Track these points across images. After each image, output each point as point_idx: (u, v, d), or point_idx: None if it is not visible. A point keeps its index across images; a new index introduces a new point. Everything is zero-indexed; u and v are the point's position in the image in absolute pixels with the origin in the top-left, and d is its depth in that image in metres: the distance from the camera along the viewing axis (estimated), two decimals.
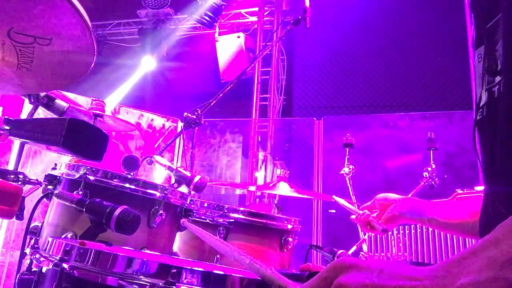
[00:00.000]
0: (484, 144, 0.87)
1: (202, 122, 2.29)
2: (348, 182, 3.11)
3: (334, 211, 4.61)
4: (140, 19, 6.70)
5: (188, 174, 1.81)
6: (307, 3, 2.66)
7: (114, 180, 1.56)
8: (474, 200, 1.17)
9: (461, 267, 0.51)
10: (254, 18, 6.43)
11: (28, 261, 1.00)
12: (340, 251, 1.78)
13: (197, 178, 1.79)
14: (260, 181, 5.52)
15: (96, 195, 1.49)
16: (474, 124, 0.89)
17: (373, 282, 0.51)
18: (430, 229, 2.99)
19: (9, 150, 4.04)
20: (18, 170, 1.54)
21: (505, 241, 0.50)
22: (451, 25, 5.16)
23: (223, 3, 5.95)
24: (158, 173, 4.57)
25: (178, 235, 1.81)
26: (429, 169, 3.13)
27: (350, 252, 2.88)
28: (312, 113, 5.69)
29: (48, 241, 0.96)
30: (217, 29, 6.36)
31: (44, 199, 1.55)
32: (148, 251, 1.45)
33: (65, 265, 0.85)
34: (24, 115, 4.02)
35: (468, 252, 0.52)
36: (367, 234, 3.02)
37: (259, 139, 5.80)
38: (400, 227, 3.09)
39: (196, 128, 2.35)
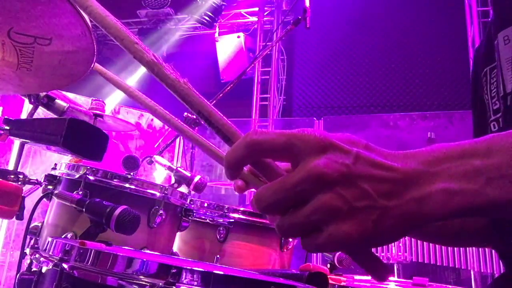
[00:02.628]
0: None
1: (202, 122, 2.29)
2: None
3: None
4: (140, 19, 6.70)
5: (188, 174, 1.81)
6: (307, 3, 2.66)
7: (114, 180, 1.56)
8: None
9: (442, 167, 0.46)
10: (254, 18, 6.43)
11: (28, 261, 1.00)
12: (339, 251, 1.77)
13: (197, 178, 1.79)
14: None
15: (96, 195, 1.49)
16: (499, 115, 0.80)
17: (350, 171, 0.45)
18: None
19: (9, 150, 4.04)
20: (18, 170, 1.54)
21: (498, 155, 0.45)
22: (451, 25, 5.16)
23: (223, 3, 5.95)
24: (158, 173, 4.57)
25: (178, 235, 1.81)
26: None
27: None
28: (312, 113, 5.69)
29: (48, 241, 0.96)
30: (217, 29, 6.36)
31: (44, 199, 1.55)
32: (148, 251, 1.45)
33: (65, 265, 0.85)
34: (24, 115, 4.02)
35: (454, 151, 0.47)
36: None
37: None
38: None
39: (196, 128, 2.35)
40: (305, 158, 0.46)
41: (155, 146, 4.96)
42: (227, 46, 6.12)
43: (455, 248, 3.04)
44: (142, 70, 6.65)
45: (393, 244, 3.12)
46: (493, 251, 2.88)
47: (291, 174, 0.47)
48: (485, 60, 0.88)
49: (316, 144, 0.46)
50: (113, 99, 6.09)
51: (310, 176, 0.45)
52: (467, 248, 3.03)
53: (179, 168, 1.84)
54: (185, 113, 2.30)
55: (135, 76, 6.63)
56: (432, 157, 0.47)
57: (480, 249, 3.01)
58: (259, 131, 0.49)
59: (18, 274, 0.99)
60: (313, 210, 0.45)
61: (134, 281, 0.79)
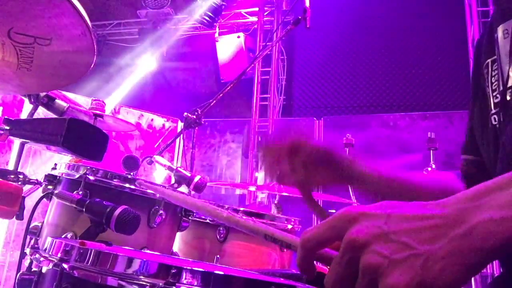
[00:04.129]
0: None
1: (202, 122, 2.29)
2: None
3: (334, 211, 4.60)
4: (140, 19, 6.70)
5: (188, 174, 1.81)
6: (307, 3, 2.66)
7: (114, 180, 1.56)
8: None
9: (482, 202, 0.46)
10: (254, 18, 6.43)
11: (28, 261, 1.00)
12: None
13: (197, 178, 1.79)
14: (260, 181, 5.52)
15: (96, 195, 1.49)
16: (498, 109, 0.79)
17: (383, 230, 0.47)
18: None
19: (9, 150, 4.04)
20: (18, 170, 1.54)
21: None
22: (451, 25, 5.16)
23: (223, 3, 5.95)
24: (158, 173, 4.57)
25: (178, 235, 1.81)
26: (429, 169, 3.13)
27: None
28: (312, 113, 5.69)
29: (48, 241, 0.96)
30: (217, 29, 6.36)
31: (44, 199, 1.54)
32: (148, 251, 1.44)
33: (65, 265, 0.85)
34: (24, 115, 4.02)
35: (492, 185, 0.47)
36: None
37: (259, 139, 5.80)
38: None
39: (196, 128, 2.35)
40: (344, 233, 0.50)
41: (155, 146, 4.97)
42: (227, 46, 6.12)
43: None
44: (141, 71, 6.66)
45: None
46: None
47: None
48: (487, 51, 0.87)
49: (349, 218, 0.50)
50: (113, 99, 6.10)
51: (347, 245, 0.49)
52: None
53: (179, 168, 1.84)
54: (185, 113, 2.30)
55: (134, 76, 6.63)
56: (472, 194, 0.47)
57: None
58: (308, 230, 0.54)
59: (18, 274, 0.99)
60: (361, 274, 0.48)
61: (134, 281, 0.79)
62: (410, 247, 0.46)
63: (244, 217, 1.71)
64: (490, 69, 0.85)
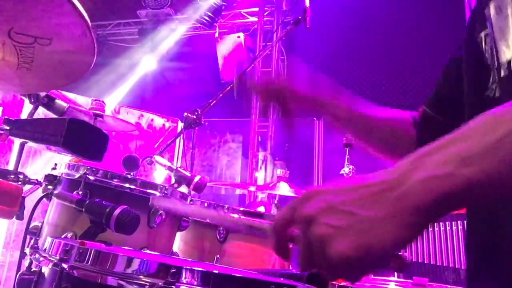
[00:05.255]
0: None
1: (202, 122, 2.29)
2: None
3: None
4: (140, 19, 6.70)
5: (188, 174, 1.81)
6: (307, 3, 2.66)
7: (114, 180, 1.56)
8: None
9: (420, 163, 0.47)
10: (254, 18, 6.43)
11: (28, 261, 1.00)
12: None
13: (197, 178, 1.79)
14: (260, 181, 5.52)
15: (96, 195, 1.49)
16: (496, 85, 0.78)
17: (329, 203, 0.50)
18: (430, 228, 2.98)
19: (9, 150, 4.04)
20: (18, 170, 1.54)
21: (473, 136, 0.46)
22: (451, 25, 5.16)
23: (223, 3, 5.95)
24: (158, 173, 4.57)
25: (178, 235, 1.81)
26: None
27: None
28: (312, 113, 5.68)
29: (48, 241, 0.96)
30: (217, 29, 6.35)
31: (44, 199, 1.55)
32: (148, 251, 1.45)
33: (64, 265, 0.85)
34: (24, 115, 4.02)
35: (433, 146, 0.48)
36: None
37: (259, 139, 5.80)
38: None
39: (196, 128, 2.35)
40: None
41: (155, 146, 4.97)
42: (227, 46, 6.12)
43: (455, 248, 3.04)
44: (140, 71, 6.66)
45: None
46: None
47: None
48: (480, 25, 0.86)
49: (304, 198, 0.53)
50: (113, 99, 6.10)
51: (299, 222, 0.53)
52: (461, 248, 3.03)
53: (179, 168, 1.84)
54: (185, 113, 2.30)
55: (134, 76, 6.63)
56: (414, 156, 0.49)
57: None
58: (276, 214, 0.60)
59: (18, 274, 0.99)
60: (314, 247, 0.51)
61: (134, 281, 0.79)
62: (354, 214, 0.48)
63: (236, 215, 1.74)
64: (484, 44, 0.84)
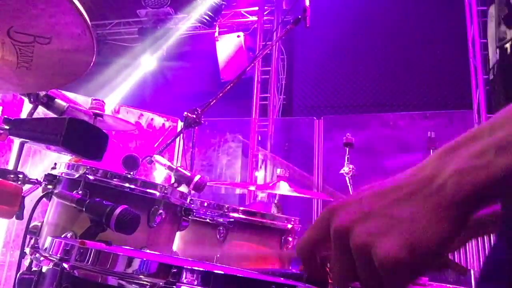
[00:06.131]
0: (497, 105, 0.78)
1: (202, 121, 2.29)
2: (348, 181, 3.11)
3: None
4: (140, 18, 6.69)
5: (188, 173, 1.81)
6: (307, 3, 2.65)
7: (114, 179, 1.55)
8: None
9: (455, 154, 0.46)
10: (254, 18, 6.43)
11: (28, 261, 1.00)
12: None
13: (197, 178, 1.79)
14: (260, 181, 5.52)
15: (96, 194, 1.49)
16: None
17: (361, 213, 0.49)
18: None
19: (9, 149, 4.04)
20: (18, 169, 1.53)
21: (502, 128, 0.45)
22: (451, 25, 5.16)
23: (223, 2, 5.95)
24: (158, 172, 4.57)
25: (178, 235, 1.81)
26: None
27: None
28: (312, 113, 5.68)
29: (48, 241, 0.96)
30: (217, 28, 6.35)
31: (44, 198, 1.54)
32: (148, 251, 1.44)
33: (65, 265, 0.85)
34: (24, 115, 4.01)
35: (469, 135, 0.47)
36: None
37: (259, 139, 5.80)
38: None
39: (196, 127, 2.34)
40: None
41: (155, 146, 4.96)
42: (227, 45, 6.12)
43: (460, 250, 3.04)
44: (141, 71, 6.66)
45: None
46: None
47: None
48: None
49: (329, 215, 0.52)
50: (113, 99, 6.10)
51: (334, 238, 0.51)
52: (467, 248, 3.03)
53: (179, 168, 1.83)
54: (185, 113, 2.29)
55: (134, 76, 6.63)
56: (449, 146, 0.48)
57: (480, 249, 3.00)
58: (300, 238, 0.57)
59: (18, 274, 0.99)
60: (356, 258, 0.49)
61: (134, 281, 0.79)
62: (392, 217, 0.47)
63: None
64: None
